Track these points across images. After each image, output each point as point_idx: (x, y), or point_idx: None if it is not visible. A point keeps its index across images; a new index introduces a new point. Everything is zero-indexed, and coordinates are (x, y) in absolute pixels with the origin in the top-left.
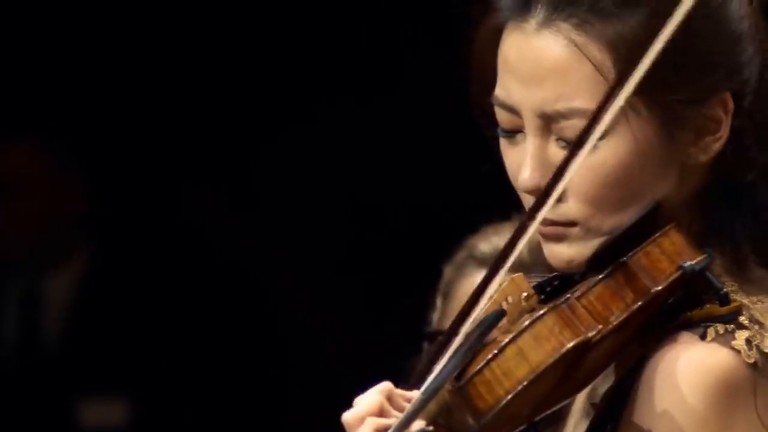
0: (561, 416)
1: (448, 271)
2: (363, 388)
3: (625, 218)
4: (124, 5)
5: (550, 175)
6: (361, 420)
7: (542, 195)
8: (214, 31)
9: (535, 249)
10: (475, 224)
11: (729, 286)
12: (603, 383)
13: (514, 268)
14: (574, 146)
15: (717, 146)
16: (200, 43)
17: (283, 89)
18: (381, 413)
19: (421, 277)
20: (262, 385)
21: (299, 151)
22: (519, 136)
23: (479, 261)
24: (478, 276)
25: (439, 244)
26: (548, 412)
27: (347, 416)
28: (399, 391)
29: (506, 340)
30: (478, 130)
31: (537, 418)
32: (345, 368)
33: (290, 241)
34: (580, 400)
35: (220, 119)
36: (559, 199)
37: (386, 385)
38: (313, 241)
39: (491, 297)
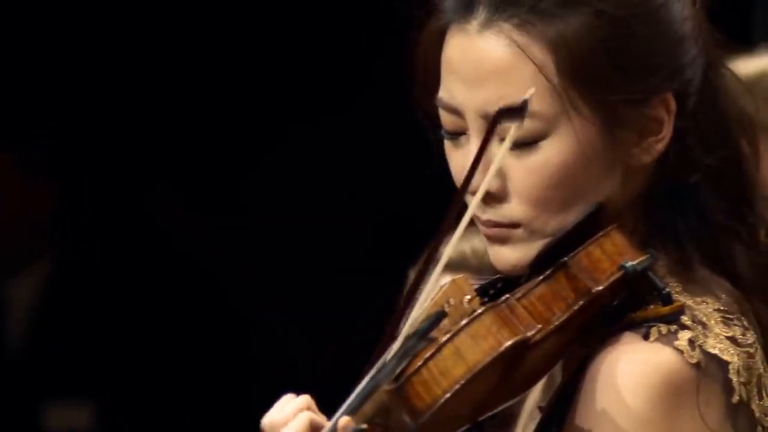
0: (511, 419)
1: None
2: (329, 393)
3: (568, 219)
4: (90, 13)
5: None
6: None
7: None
8: (187, 41)
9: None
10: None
11: (673, 287)
12: (552, 386)
13: (477, 271)
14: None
15: (659, 147)
16: (175, 53)
17: (254, 99)
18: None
19: (388, 282)
20: (228, 391)
21: (269, 158)
22: (463, 138)
23: (446, 266)
24: (445, 281)
25: (406, 249)
26: (491, 412)
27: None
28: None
29: (443, 339)
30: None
31: (480, 418)
32: (311, 373)
33: (257, 247)
34: (530, 403)
35: (190, 124)
36: (502, 201)
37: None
38: (280, 246)
39: (433, 299)
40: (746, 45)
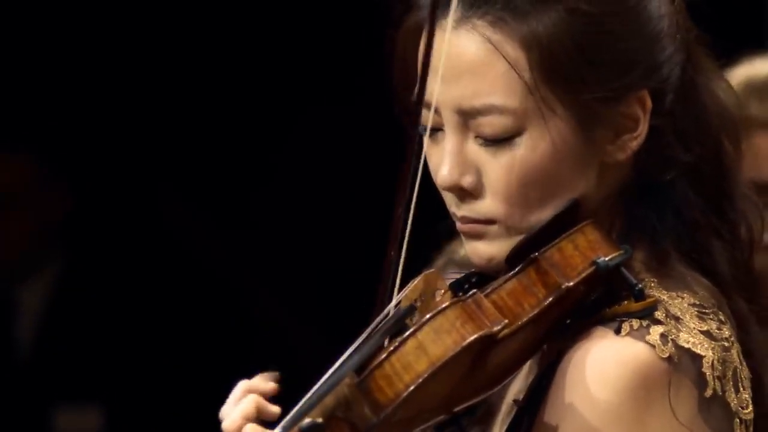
0: (490, 414)
1: None
2: None
3: (544, 216)
4: (107, 20)
5: (468, 172)
6: (240, 427)
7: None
8: (191, 50)
9: None
10: (454, 229)
11: (648, 282)
12: (528, 380)
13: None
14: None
15: (634, 145)
16: (179, 60)
17: (258, 103)
18: (258, 412)
19: (400, 283)
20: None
21: (275, 160)
22: (439, 135)
23: (459, 266)
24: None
25: (419, 249)
26: (463, 405)
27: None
28: (255, 382)
29: (406, 333)
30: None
31: (452, 411)
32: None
33: (267, 251)
34: (509, 397)
35: (199, 130)
36: (478, 197)
37: (247, 384)
38: (291, 250)
39: (404, 294)
40: (759, 46)
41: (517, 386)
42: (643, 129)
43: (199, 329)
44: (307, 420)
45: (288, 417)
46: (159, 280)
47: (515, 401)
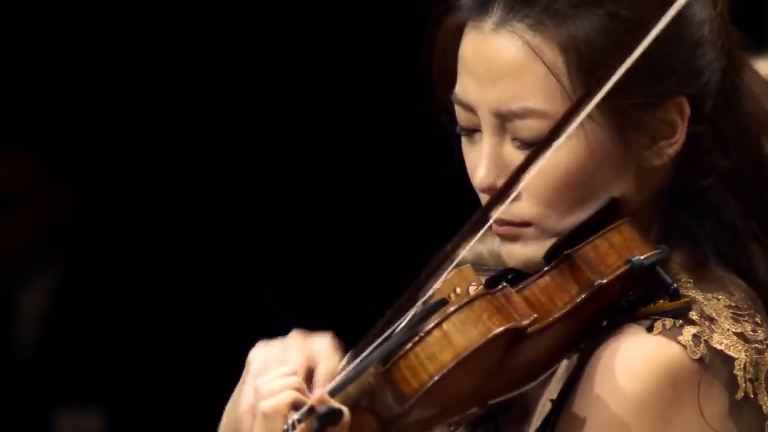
0: (527, 413)
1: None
2: None
3: (579, 219)
4: (102, 26)
5: (504, 174)
6: (277, 391)
7: (496, 196)
8: (192, 51)
9: None
10: (457, 231)
11: (684, 283)
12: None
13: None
14: (533, 153)
15: (672, 151)
16: (182, 64)
17: (259, 103)
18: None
19: (402, 283)
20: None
21: (275, 161)
22: (477, 135)
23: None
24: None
25: (421, 250)
26: (493, 400)
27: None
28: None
29: (432, 324)
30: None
31: (489, 403)
32: None
33: (268, 253)
34: (547, 397)
35: (200, 131)
36: (514, 199)
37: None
38: (292, 250)
39: (438, 288)
40: (759, 47)
41: (554, 386)
42: (680, 135)
43: (200, 331)
44: (327, 405)
45: (307, 404)
46: (160, 281)
47: (551, 400)
